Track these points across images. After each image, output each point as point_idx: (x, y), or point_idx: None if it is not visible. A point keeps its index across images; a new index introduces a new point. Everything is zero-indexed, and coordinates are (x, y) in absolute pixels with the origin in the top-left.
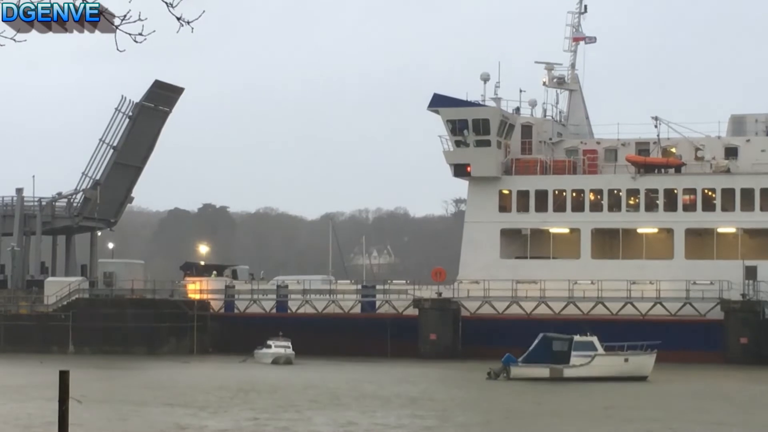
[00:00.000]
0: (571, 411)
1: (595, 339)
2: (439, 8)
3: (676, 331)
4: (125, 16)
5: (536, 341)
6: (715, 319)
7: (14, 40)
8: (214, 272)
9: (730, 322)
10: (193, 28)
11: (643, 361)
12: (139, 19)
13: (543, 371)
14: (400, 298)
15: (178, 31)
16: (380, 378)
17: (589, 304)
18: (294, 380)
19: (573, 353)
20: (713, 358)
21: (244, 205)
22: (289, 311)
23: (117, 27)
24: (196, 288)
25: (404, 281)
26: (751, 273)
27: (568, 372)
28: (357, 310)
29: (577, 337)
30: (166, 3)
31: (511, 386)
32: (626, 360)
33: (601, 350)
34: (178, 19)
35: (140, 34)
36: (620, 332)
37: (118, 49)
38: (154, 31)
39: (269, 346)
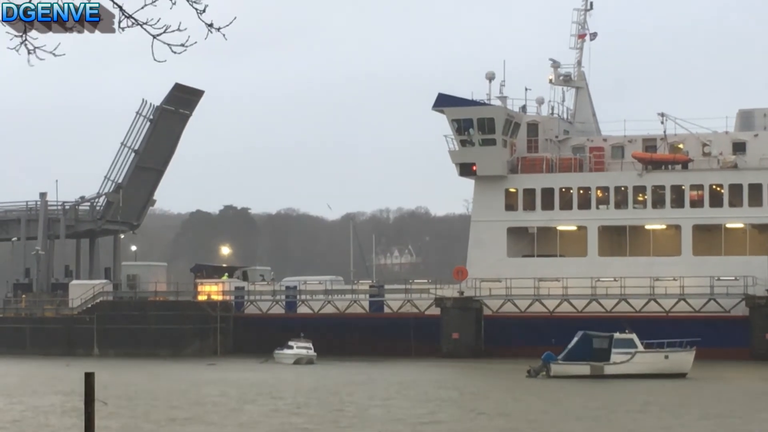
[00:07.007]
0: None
1: (634, 336)
2: (443, 9)
3: (700, 327)
4: (163, 26)
5: (576, 339)
6: (740, 315)
7: (54, 54)
8: (225, 274)
9: (755, 318)
10: (225, 35)
11: (683, 358)
12: (178, 30)
13: (584, 369)
14: (422, 297)
15: (206, 38)
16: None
17: (612, 302)
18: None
19: (613, 350)
20: (738, 355)
21: (265, 206)
22: (311, 311)
23: (155, 37)
24: (209, 290)
25: (426, 280)
26: None
27: (609, 369)
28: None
29: (617, 335)
30: (196, 10)
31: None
32: (666, 357)
33: (640, 347)
34: (209, 26)
35: (182, 45)
36: (644, 329)
37: (155, 59)
38: (196, 42)
39: (291, 347)
